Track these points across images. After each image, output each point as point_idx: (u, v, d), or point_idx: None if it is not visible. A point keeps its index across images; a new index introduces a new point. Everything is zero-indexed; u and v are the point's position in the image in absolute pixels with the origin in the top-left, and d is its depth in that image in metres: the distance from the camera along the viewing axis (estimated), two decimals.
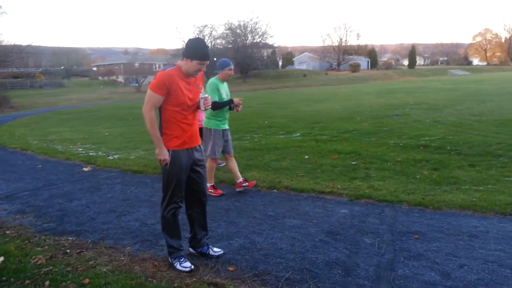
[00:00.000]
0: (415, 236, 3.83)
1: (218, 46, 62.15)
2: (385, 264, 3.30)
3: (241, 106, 5.25)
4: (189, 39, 3.19)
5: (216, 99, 5.16)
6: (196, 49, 3.14)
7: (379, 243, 3.73)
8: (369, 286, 2.98)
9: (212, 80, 5.28)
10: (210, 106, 3.48)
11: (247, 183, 5.55)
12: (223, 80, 5.37)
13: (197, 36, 58.82)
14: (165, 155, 3.24)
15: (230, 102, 5.18)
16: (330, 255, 3.51)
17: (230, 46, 61.59)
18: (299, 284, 3.05)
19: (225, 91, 5.34)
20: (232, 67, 5.34)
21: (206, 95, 3.38)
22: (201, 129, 5.56)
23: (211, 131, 5.35)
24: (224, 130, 5.42)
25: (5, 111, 29.55)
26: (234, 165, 5.60)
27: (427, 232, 3.92)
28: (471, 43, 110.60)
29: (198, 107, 3.38)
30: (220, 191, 5.55)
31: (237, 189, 5.57)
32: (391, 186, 5.45)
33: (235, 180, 5.61)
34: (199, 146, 3.49)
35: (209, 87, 5.21)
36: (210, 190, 5.45)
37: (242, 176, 5.63)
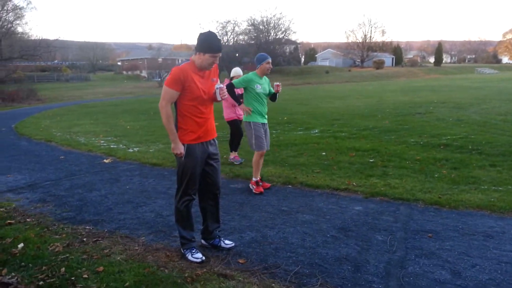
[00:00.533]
0: (429, 235, 3.79)
1: (241, 42, 62.20)
2: (396, 262, 3.28)
3: (280, 87, 5.34)
4: (200, 33, 3.22)
5: (237, 86, 5.21)
6: (207, 42, 3.18)
7: (391, 240, 3.70)
8: (378, 282, 2.97)
9: (249, 73, 5.25)
10: (226, 96, 3.47)
11: (260, 183, 5.50)
12: (262, 74, 5.29)
13: (219, 32, 59.13)
14: (180, 149, 3.30)
15: (237, 102, 5.24)
16: (341, 251, 3.51)
17: (253, 42, 61.57)
18: (307, 278, 3.07)
19: (261, 86, 5.26)
20: (270, 60, 5.25)
21: (222, 85, 3.40)
22: (241, 122, 5.62)
23: (251, 124, 5.25)
24: (263, 124, 5.33)
25: (32, 103, 30.45)
26: (261, 161, 5.50)
27: (441, 231, 3.87)
28: (500, 41, 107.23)
29: (215, 99, 3.42)
30: (261, 189, 5.37)
31: (250, 185, 5.57)
32: (408, 185, 5.39)
33: (252, 176, 5.60)
34: (213, 140, 3.53)
35: (241, 77, 5.29)
36: (252, 186, 5.39)
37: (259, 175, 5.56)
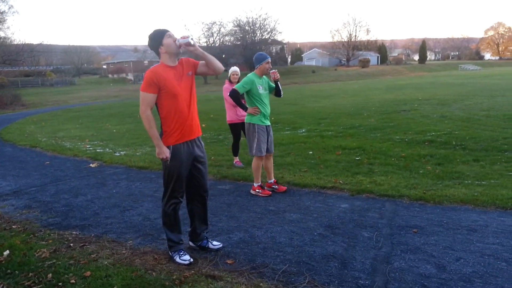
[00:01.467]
0: (414, 230, 3.84)
1: (227, 43, 62.13)
2: (382, 257, 3.33)
3: (277, 74, 5.19)
4: (148, 43, 3.29)
5: (242, 91, 5.05)
6: (156, 35, 3.23)
7: (377, 236, 3.75)
8: (365, 278, 3.00)
9: (249, 75, 5.13)
10: (191, 38, 3.21)
11: (277, 186, 5.40)
12: (261, 75, 5.19)
13: (204, 33, 59.09)
14: (166, 153, 3.28)
15: (244, 108, 5.15)
16: (328, 249, 3.54)
17: (239, 43, 61.52)
18: (295, 276, 3.09)
19: (263, 86, 5.17)
20: (269, 59, 5.12)
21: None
22: (243, 124, 5.50)
23: (255, 127, 5.11)
24: (267, 126, 5.24)
25: (16, 109, 30.00)
26: (271, 164, 5.42)
27: (426, 226, 3.93)
28: (483, 37, 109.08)
29: (188, 45, 3.20)
30: (268, 192, 5.25)
31: (252, 191, 5.37)
32: (393, 181, 5.46)
33: (267, 179, 5.48)
34: (199, 141, 3.51)
35: (242, 80, 5.14)
36: (257, 190, 5.25)
37: (262, 180, 5.45)
